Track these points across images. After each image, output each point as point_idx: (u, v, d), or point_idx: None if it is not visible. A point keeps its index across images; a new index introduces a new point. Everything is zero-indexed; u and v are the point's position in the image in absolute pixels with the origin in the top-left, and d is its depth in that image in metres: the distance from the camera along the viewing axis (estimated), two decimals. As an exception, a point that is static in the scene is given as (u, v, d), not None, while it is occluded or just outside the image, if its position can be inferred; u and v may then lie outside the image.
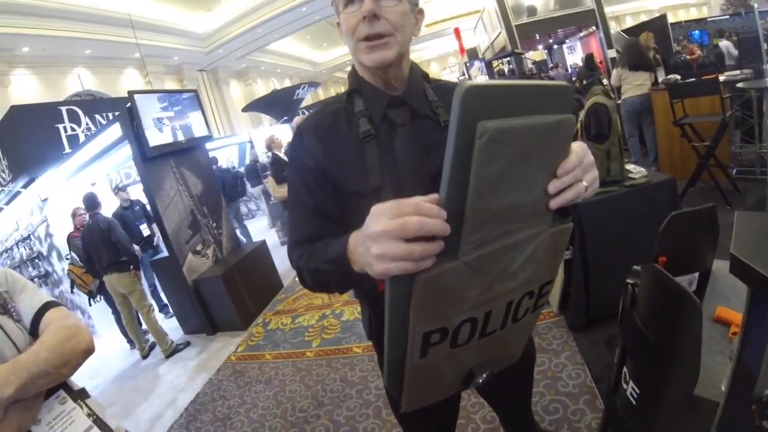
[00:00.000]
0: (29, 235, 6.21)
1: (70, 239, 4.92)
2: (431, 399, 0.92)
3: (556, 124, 0.64)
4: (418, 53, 28.12)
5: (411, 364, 0.76)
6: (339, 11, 0.92)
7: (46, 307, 1.14)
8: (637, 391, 1.24)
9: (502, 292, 0.76)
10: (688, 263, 1.47)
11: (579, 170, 0.70)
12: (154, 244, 5.34)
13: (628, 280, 1.31)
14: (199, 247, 4.66)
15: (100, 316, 5.28)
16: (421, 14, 0.99)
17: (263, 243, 5.26)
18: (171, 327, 4.77)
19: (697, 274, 1.49)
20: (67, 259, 4.94)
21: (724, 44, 7.88)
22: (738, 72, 4.91)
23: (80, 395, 1.11)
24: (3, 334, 1.02)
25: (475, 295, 0.72)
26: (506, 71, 12.27)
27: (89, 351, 1.11)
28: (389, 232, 0.58)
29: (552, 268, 0.84)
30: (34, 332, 1.10)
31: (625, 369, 1.34)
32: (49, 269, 6.08)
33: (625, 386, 1.31)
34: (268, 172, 6.55)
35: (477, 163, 0.57)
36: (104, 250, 4.23)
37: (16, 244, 6.61)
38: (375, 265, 0.62)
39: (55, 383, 1.05)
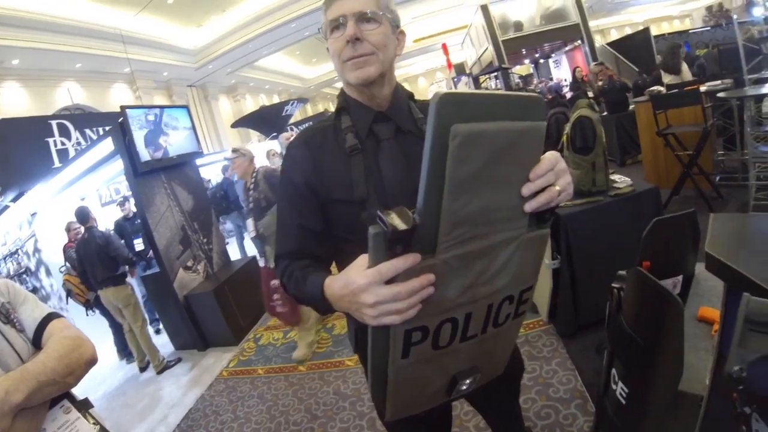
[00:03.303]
0: (17, 249, 6.15)
1: (65, 250, 4.87)
2: (415, 408, 0.95)
3: (524, 130, 0.70)
4: (406, 68, 28.29)
5: (394, 365, 0.79)
6: (327, 37, 0.99)
7: (49, 318, 1.16)
8: (626, 391, 1.27)
9: (483, 294, 0.80)
10: (672, 267, 1.52)
11: (551, 174, 0.76)
12: (148, 256, 5.31)
13: (613, 285, 1.35)
14: (189, 263, 4.65)
15: (89, 332, 5.19)
16: (403, 35, 1.06)
17: (254, 258, 5.21)
18: (162, 343, 4.73)
19: (680, 277, 1.53)
20: (61, 272, 4.89)
21: None
22: (719, 82, 5.03)
23: (84, 405, 1.13)
24: (7, 343, 1.04)
25: (454, 295, 0.76)
26: (493, 86, 12.39)
27: (93, 361, 1.14)
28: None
29: (532, 273, 0.88)
30: (36, 343, 1.11)
31: (613, 370, 1.37)
32: (37, 284, 6.02)
33: (614, 387, 1.34)
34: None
35: (451, 164, 0.63)
36: (99, 264, 4.20)
37: (3, 258, 6.53)
38: (368, 320, 0.73)
39: (61, 392, 1.07)
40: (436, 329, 0.79)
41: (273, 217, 3.38)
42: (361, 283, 0.69)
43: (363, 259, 0.71)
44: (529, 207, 0.76)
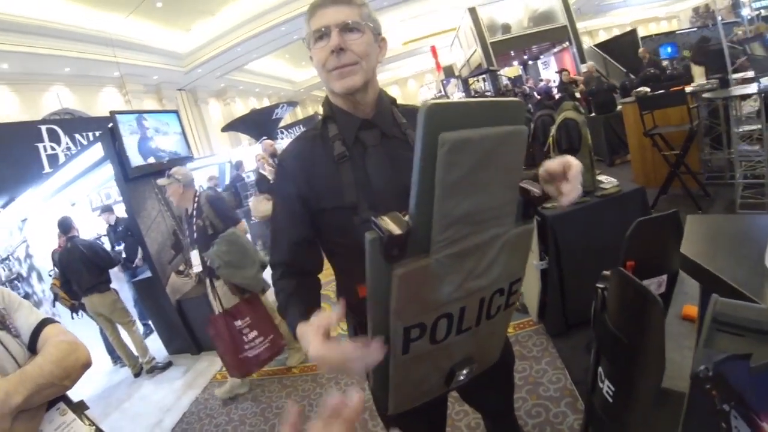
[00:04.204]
0: (8, 255, 6.08)
1: (54, 254, 4.85)
2: (417, 400, 0.98)
3: (506, 134, 0.74)
4: (396, 71, 28.14)
5: (395, 361, 0.82)
6: (310, 47, 1.01)
7: (44, 323, 1.18)
8: (612, 389, 1.29)
9: (474, 289, 0.83)
10: (656, 266, 1.54)
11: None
12: (134, 265, 5.29)
13: (598, 285, 1.38)
14: (181, 267, 4.63)
15: (80, 336, 5.15)
16: (384, 42, 1.08)
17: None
18: (156, 348, 4.70)
19: (665, 276, 1.56)
20: (50, 275, 4.85)
21: None
22: (705, 82, 5.09)
23: (80, 407, 1.17)
24: (3, 348, 1.07)
25: (449, 291, 0.79)
26: (482, 88, 12.42)
27: (88, 364, 1.17)
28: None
29: (520, 266, 0.93)
30: (32, 347, 1.14)
31: (600, 369, 1.40)
32: (29, 290, 5.96)
33: (601, 385, 1.36)
34: (250, 191, 6.50)
35: (440, 170, 0.67)
36: (85, 272, 4.19)
37: (-5, 264, 6.46)
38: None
39: (58, 395, 1.11)
40: (433, 325, 0.82)
41: (222, 246, 3.14)
42: (312, 354, 0.76)
43: (317, 323, 0.78)
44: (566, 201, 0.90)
